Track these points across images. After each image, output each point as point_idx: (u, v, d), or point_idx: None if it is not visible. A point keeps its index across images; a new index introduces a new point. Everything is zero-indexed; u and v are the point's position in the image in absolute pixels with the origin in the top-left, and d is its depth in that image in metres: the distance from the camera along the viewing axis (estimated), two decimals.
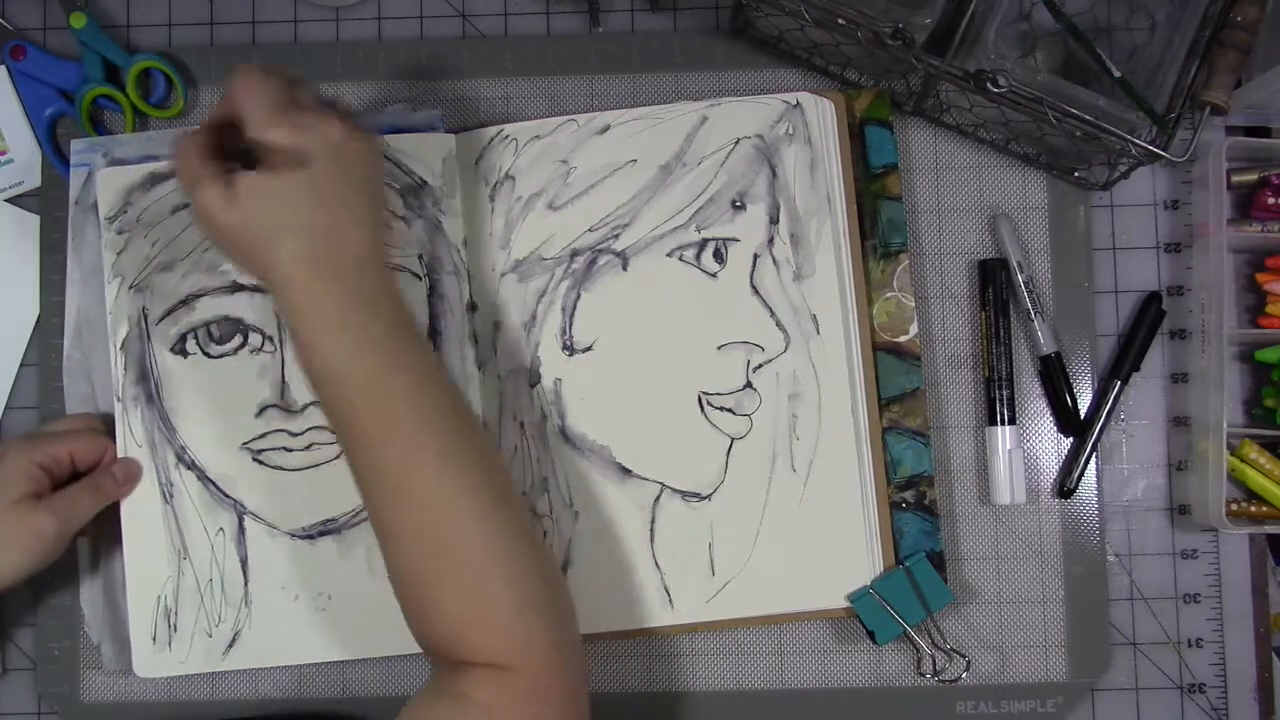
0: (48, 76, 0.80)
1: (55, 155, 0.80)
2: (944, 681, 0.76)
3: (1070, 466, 0.77)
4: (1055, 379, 0.78)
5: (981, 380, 0.78)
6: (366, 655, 0.76)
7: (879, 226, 0.78)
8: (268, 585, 0.76)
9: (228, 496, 0.76)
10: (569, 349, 0.77)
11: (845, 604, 0.75)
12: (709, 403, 0.76)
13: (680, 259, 0.77)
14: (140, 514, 0.76)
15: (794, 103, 0.78)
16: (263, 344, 0.76)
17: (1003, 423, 0.77)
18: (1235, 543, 0.78)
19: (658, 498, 0.76)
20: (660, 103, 0.79)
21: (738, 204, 0.77)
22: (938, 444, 0.78)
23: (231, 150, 0.65)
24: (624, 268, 0.77)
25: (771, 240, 0.77)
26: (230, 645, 0.75)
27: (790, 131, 0.78)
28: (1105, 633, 0.77)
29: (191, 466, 0.76)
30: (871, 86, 0.79)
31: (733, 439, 0.76)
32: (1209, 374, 0.76)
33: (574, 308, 0.77)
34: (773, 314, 0.76)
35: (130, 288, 0.77)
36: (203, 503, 0.76)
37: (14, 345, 0.80)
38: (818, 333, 0.76)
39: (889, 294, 0.78)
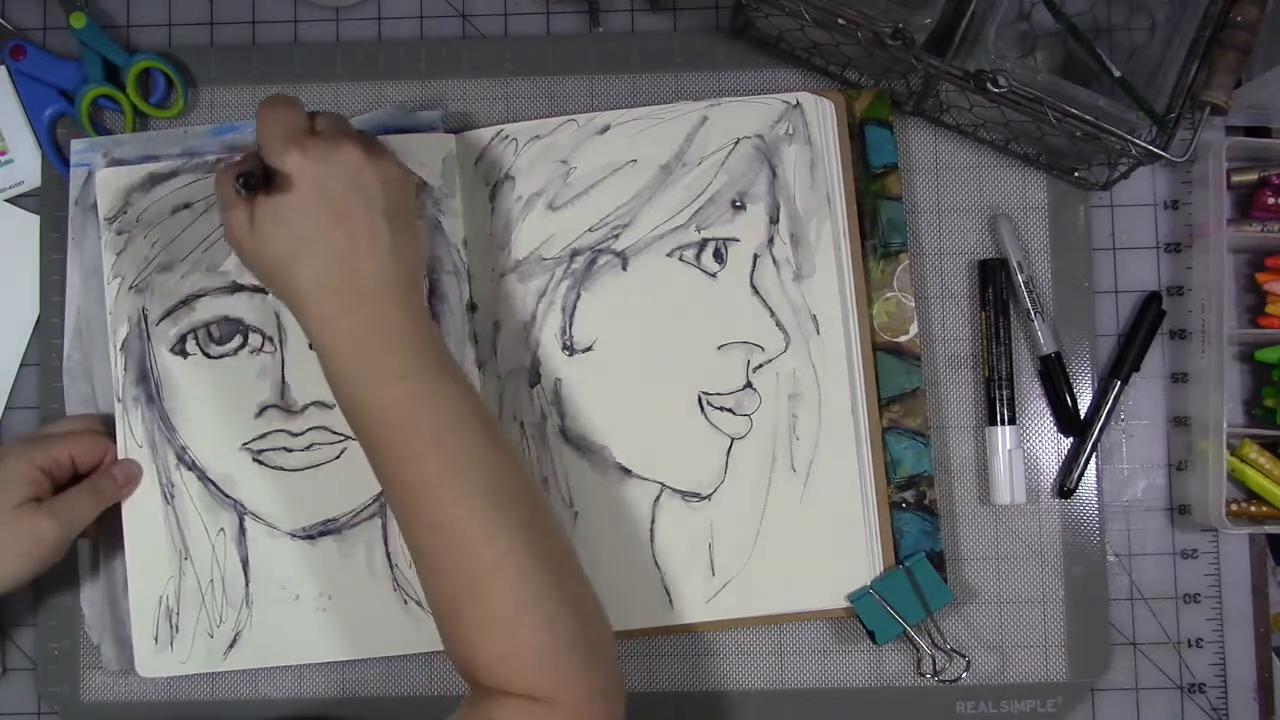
0: (48, 76, 0.80)
1: (55, 155, 0.80)
2: (944, 681, 0.76)
3: (1070, 466, 0.78)
4: (1055, 379, 0.78)
5: (981, 380, 0.79)
6: (366, 655, 0.76)
7: (879, 226, 0.78)
8: (268, 585, 0.76)
9: (228, 497, 0.76)
10: (569, 349, 0.77)
11: (845, 604, 0.75)
12: (709, 403, 0.76)
13: (680, 259, 0.77)
14: (141, 515, 0.76)
15: (794, 103, 0.78)
16: (263, 344, 0.76)
17: (1003, 423, 0.77)
18: (1235, 543, 0.78)
19: (658, 498, 0.76)
20: (660, 103, 0.79)
21: (738, 204, 0.77)
22: (938, 444, 0.78)
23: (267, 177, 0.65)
24: (624, 268, 0.77)
25: (771, 240, 0.77)
26: (231, 645, 0.75)
27: (790, 131, 0.78)
28: (1105, 633, 0.77)
29: (192, 467, 0.76)
30: (871, 86, 0.79)
31: (733, 439, 0.76)
32: (1209, 374, 0.76)
33: (574, 308, 0.77)
34: (773, 314, 0.76)
35: (130, 288, 0.77)
36: (203, 503, 0.76)
37: (14, 345, 0.80)
38: (818, 333, 0.76)
39: (889, 294, 0.78)
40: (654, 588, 0.76)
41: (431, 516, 0.62)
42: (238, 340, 0.76)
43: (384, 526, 0.75)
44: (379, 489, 0.70)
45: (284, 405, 0.76)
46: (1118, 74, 0.71)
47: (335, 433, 0.75)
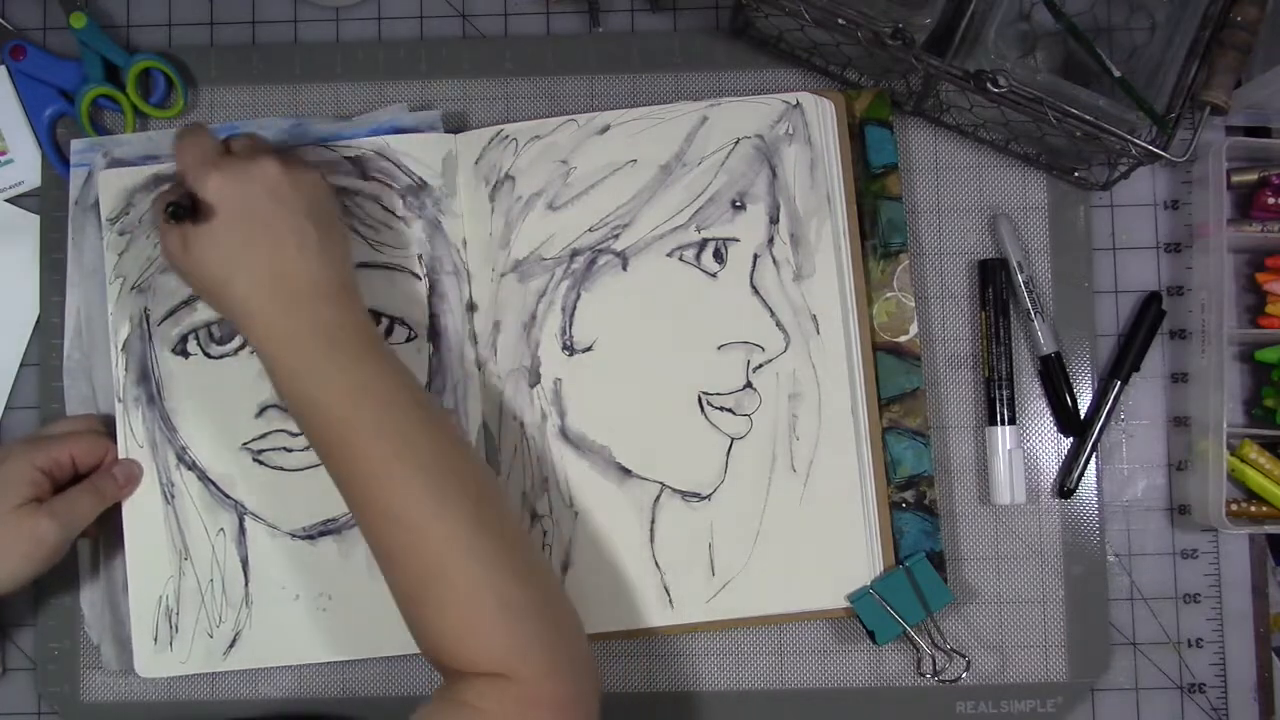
0: (48, 76, 0.80)
1: (55, 155, 0.80)
2: (944, 681, 0.76)
3: (1070, 466, 0.78)
4: (1055, 379, 0.78)
5: (981, 380, 0.79)
6: (366, 655, 0.76)
7: (879, 226, 0.78)
8: (268, 585, 0.76)
9: (228, 497, 0.76)
10: (569, 349, 0.77)
11: (845, 604, 0.75)
12: (709, 403, 0.76)
13: (680, 259, 0.77)
14: (141, 515, 0.76)
15: (794, 103, 0.78)
16: None
17: (1003, 423, 0.77)
18: (1235, 543, 0.78)
19: (658, 498, 0.76)
20: (660, 103, 0.79)
21: (738, 204, 0.77)
22: (938, 444, 0.78)
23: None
24: (624, 268, 0.77)
25: (771, 240, 0.77)
26: (231, 645, 0.75)
27: (790, 131, 0.78)
28: (1105, 633, 0.77)
29: (192, 467, 0.76)
30: (871, 86, 0.79)
31: (733, 439, 0.76)
32: (1209, 374, 0.76)
33: (574, 308, 0.77)
34: (773, 314, 0.76)
35: (132, 288, 0.77)
36: (203, 503, 0.76)
37: (14, 345, 0.80)
38: (818, 333, 0.76)
39: (889, 294, 0.78)
40: (654, 588, 0.76)
41: (382, 506, 0.63)
42: (238, 340, 0.76)
43: None
44: None
45: (284, 405, 0.76)
46: (1118, 74, 0.71)
47: None
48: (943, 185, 0.80)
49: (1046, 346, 0.77)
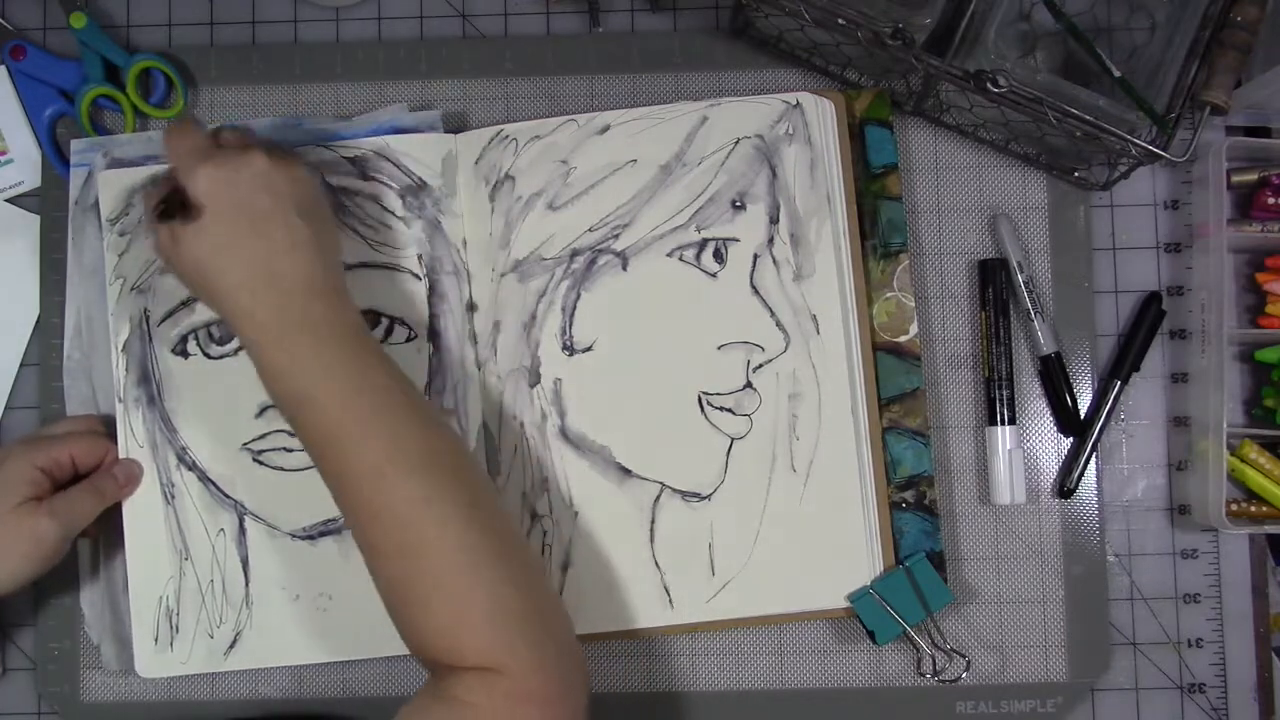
0: (48, 76, 0.80)
1: (55, 155, 0.80)
2: (944, 681, 0.76)
3: (1070, 466, 0.78)
4: (1055, 379, 0.78)
5: (981, 380, 0.79)
6: (366, 655, 0.76)
7: (879, 226, 0.78)
8: (268, 586, 0.76)
9: (228, 497, 0.76)
10: (569, 349, 0.77)
11: (845, 604, 0.75)
12: (709, 403, 0.76)
13: (680, 259, 0.77)
14: (142, 515, 0.76)
15: (794, 103, 0.78)
16: None
17: (1003, 423, 0.77)
18: (1235, 543, 0.78)
19: (658, 498, 0.76)
20: (660, 103, 0.79)
21: (738, 204, 0.77)
22: (938, 444, 0.78)
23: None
24: (624, 268, 0.77)
25: (771, 240, 0.77)
26: (231, 646, 0.75)
27: (790, 131, 0.78)
28: (1105, 633, 0.77)
29: (192, 467, 0.76)
30: (871, 86, 0.79)
31: (733, 439, 0.76)
32: (1209, 374, 0.76)
33: (574, 308, 0.77)
34: (773, 314, 0.76)
35: (132, 289, 0.77)
36: (204, 503, 0.76)
37: (14, 345, 0.80)
38: (818, 333, 0.76)
39: (889, 294, 0.78)
40: (654, 588, 0.76)
41: (373, 502, 0.63)
42: (237, 340, 0.76)
43: None
44: None
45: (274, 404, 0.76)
46: (1118, 74, 0.71)
47: None
48: (943, 185, 0.80)
49: (1046, 346, 0.77)
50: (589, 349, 0.77)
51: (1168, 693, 0.77)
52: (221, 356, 0.76)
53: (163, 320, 0.77)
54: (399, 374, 0.67)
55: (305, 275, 0.65)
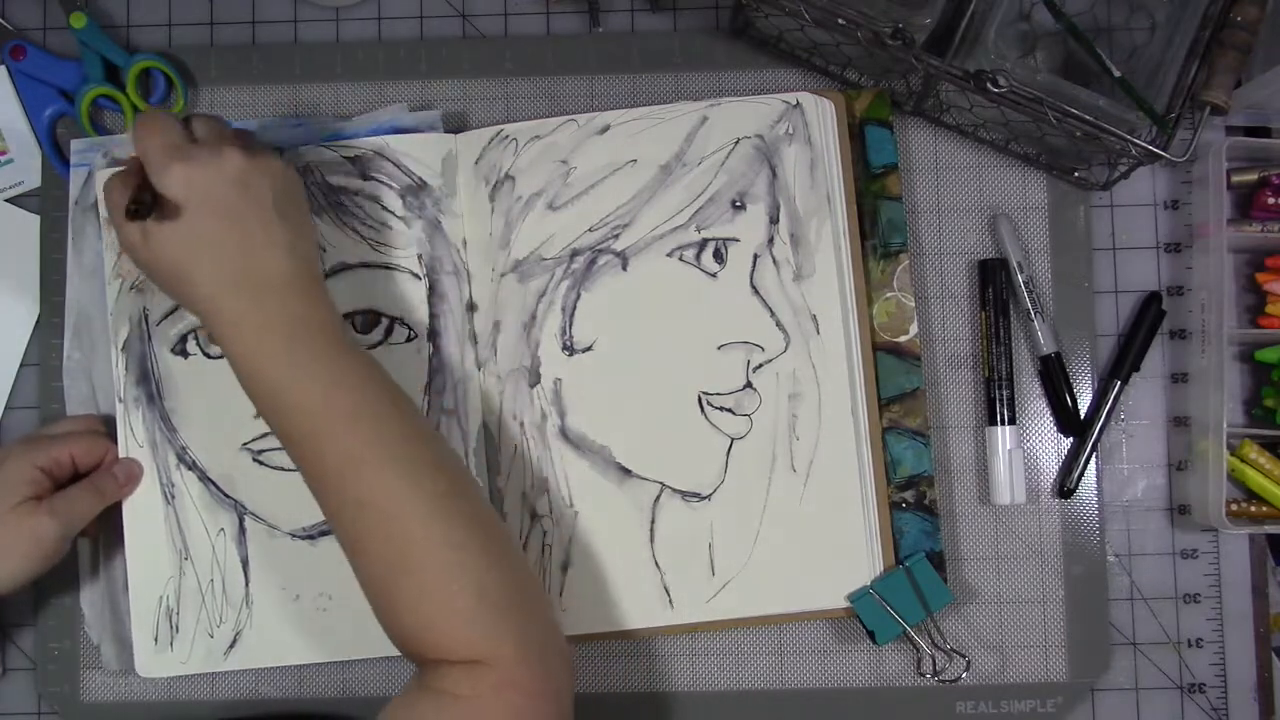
0: (48, 76, 0.80)
1: (55, 155, 0.80)
2: (944, 681, 0.76)
3: (1070, 466, 0.78)
4: (1055, 379, 0.78)
5: (981, 380, 0.79)
6: (366, 655, 0.76)
7: (879, 226, 0.78)
8: (268, 585, 0.76)
9: (228, 497, 0.76)
10: (569, 349, 0.77)
11: (845, 604, 0.75)
12: (709, 403, 0.76)
13: (680, 259, 0.77)
14: (142, 515, 0.76)
15: (794, 103, 0.78)
16: None
17: (1003, 423, 0.77)
18: (1235, 543, 0.78)
19: (658, 498, 0.76)
20: (660, 103, 0.79)
21: (738, 204, 0.77)
22: (938, 444, 0.78)
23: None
24: (624, 268, 0.77)
25: (771, 240, 0.77)
26: (231, 645, 0.75)
27: (790, 131, 0.78)
28: (1105, 633, 0.77)
29: (192, 467, 0.76)
30: (871, 86, 0.79)
31: (733, 439, 0.76)
32: (1209, 374, 0.76)
33: (574, 308, 0.77)
34: (773, 314, 0.76)
35: (131, 288, 0.77)
36: (204, 503, 0.76)
37: (14, 345, 0.80)
38: (818, 333, 0.76)
39: (889, 294, 0.78)
40: (654, 588, 0.76)
41: (354, 495, 0.63)
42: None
43: None
44: None
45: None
46: (1118, 74, 0.71)
47: None
48: (943, 185, 0.80)
49: (1046, 346, 0.77)
50: (589, 349, 0.77)
51: (1168, 693, 0.77)
52: (221, 356, 0.76)
53: (162, 320, 0.77)
54: (378, 369, 0.67)
55: (283, 271, 0.65)
